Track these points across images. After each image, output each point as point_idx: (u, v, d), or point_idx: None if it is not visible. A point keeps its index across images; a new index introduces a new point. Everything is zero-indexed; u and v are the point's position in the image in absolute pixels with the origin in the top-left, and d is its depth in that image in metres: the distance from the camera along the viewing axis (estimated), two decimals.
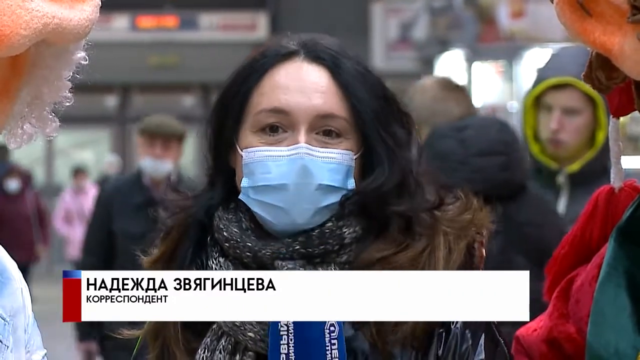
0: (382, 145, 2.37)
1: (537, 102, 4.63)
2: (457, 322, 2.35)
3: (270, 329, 2.26)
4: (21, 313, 2.22)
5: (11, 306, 2.18)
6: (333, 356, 2.24)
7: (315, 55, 2.38)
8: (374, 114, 2.37)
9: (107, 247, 6.72)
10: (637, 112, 2.34)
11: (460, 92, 5.36)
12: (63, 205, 20.87)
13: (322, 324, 2.26)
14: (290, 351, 2.24)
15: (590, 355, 2.27)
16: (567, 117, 4.27)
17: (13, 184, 14.68)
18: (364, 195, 2.32)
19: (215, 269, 2.39)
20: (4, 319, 2.11)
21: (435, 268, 2.32)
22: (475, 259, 2.41)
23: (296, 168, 2.28)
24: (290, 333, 2.26)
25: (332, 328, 2.25)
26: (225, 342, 2.38)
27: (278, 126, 2.34)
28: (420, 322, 2.30)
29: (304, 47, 2.40)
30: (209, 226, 2.43)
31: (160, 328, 2.48)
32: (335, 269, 2.31)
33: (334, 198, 2.29)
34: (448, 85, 5.33)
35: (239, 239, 2.36)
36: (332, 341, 2.23)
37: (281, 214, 2.31)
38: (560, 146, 4.26)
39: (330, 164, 2.30)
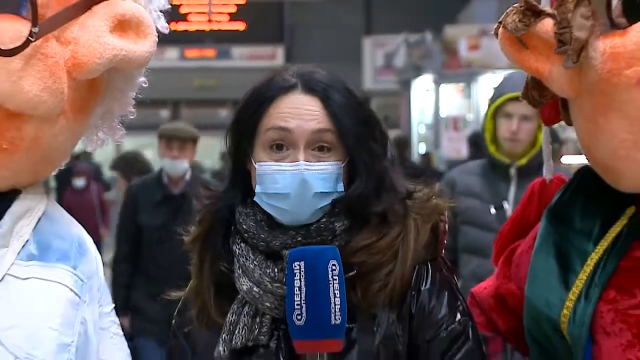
0: (361, 158, 2.32)
1: (495, 111, 4.65)
2: (426, 284, 2.29)
3: (288, 266, 2.21)
4: (95, 276, 2.17)
5: (88, 270, 2.14)
6: (334, 288, 2.18)
7: (310, 88, 2.34)
8: (355, 134, 2.32)
9: (135, 237, 6.43)
10: (563, 121, 2.30)
11: None
12: None
13: (327, 263, 2.21)
14: (302, 284, 2.19)
15: (527, 306, 2.23)
16: (523, 122, 4.31)
17: (80, 182, 14.84)
18: (348, 199, 2.29)
19: (238, 253, 2.35)
20: (82, 281, 2.09)
21: (407, 248, 2.27)
22: (439, 236, 2.37)
23: (297, 180, 2.26)
24: (302, 270, 2.20)
25: (333, 267, 2.19)
26: (248, 308, 2.32)
27: (282, 144, 2.30)
28: (398, 283, 2.25)
29: (302, 80, 2.36)
30: (232, 218, 2.40)
31: (199, 290, 2.42)
32: (333, 248, 2.27)
33: (327, 200, 2.27)
34: None
35: (254, 231, 2.33)
36: (334, 277, 2.18)
37: (286, 214, 2.29)
38: (518, 144, 4.29)
39: (323, 174, 2.28)
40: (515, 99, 4.35)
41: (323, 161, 2.25)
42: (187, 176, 6.30)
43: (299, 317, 2.14)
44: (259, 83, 2.41)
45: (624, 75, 1.92)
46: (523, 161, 4.44)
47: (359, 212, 2.26)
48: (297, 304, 2.15)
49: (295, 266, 2.14)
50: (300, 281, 2.16)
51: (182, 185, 6.28)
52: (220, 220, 2.39)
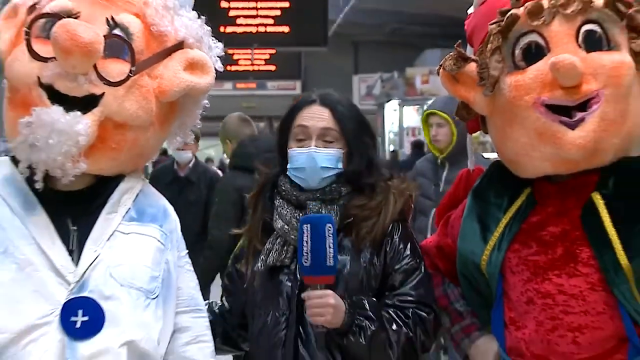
0: (356, 147, 2.31)
1: (426, 121, 4.66)
2: (397, 235, 2.26)
3: (298, 226, 2.16)
4: (174, 232, 2.11)
5: (169, 228, 2.08)
6: (329, 242, 2.09)
7: (324, 102, 2.33)
8: (352, 131, 2.31)
9: None
10: (482, 130, 2.30)
11: (249, 122, 5.11)
12: None
13: (324, 225, 2.12)
14: (308, 239, 2.10)
15: (459, 255, 2.19)
16: (439, 128, 4.28)
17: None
18: (347, 173, 2.28)
19: (277, 205, 2.32)
20: (165, 234, 2.04)
21: (387, 210, 2.26)
22: (408, 207, 2.35)
23: (309, 158, 2.25)
24: (308, 230, 2.11)
25: (329, 228, 2.11)
26: (279, 240, 2.27)
27: (303, 137, 2.30)
28: (379, 231, 2.25)
29: (319, 97, 2.35)
30: (276, 184, 2.38)
31: (251, 227, 2.38)
32: (336, 207, 2.24)
33: (330, 173, 2.24)
34: (243, 118, 5.15)
35: (289, 191, 2.30)
36: (329, 235, 2.11)
37: (303, 181, 2.27)
38: (438, 143, 4.29)
39: (327, 156, 2.26)
40: (432, 113, 4.57)
41: (328, 148, 2.27)
42: (191, 164, 6.19)
43: (305, 261, 2.10)
44: (295, 100, 2.49)
45: (524, 100, 1.90)
46: (444, 154, 4.39)
47: (355, 183, 2.29)
48: (305, 252, 2.10)
49: (304, 227, 2.11)
50: (307, 237, 2.11)
51: (186, 170, 6.08)
52: (268, 185, 2.40)
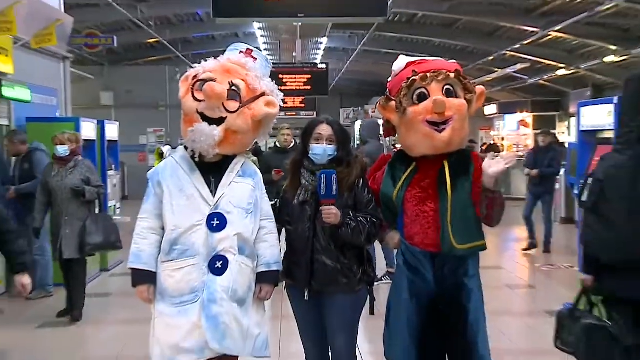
0: (342, 145, 3.11)
1: None
2: (361, 184, 3.05)
3: (318, 175, 2.98)
4: (259, 182, 3.04)
5: (256, 180, 3.02)
6: (333, 183, 2.93)
7: (328, 122, 3.15)
8: (342, 139, 3.12)
9: None
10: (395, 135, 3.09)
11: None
12: None
13: (331, 175, 2.94)
14: (322, 181, 2.97)
15: (381, 193, 3.05)
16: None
17: None
18: (337, 156, 3.06)
19: (302, 172, 3.12)
20: (255, 182, 3.01)
21: (354, 172, 3.06)
22: (364, 170, 3.11)
23: (322, 150, 3.08)
24: (323, 177, 2.96)
25: (334, 177, 2.94)
26: (304, 189, 3.11)
27: (318, 139, 3.08)
28: (351, 182, 3.03)
29: (326, 120, 3.17)
30: (302, 162, 3.14)
31: (291, 180, 3.17)
32: (333, 171, 2.97)
33: (330, 156, 3.04)
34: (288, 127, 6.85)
35: (309, 164, 3.10)
36: (334, 180, 2.92)
37: (318, 160, 3.07)
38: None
39: (329, 149, 3.08)
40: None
41: (330, 145, 3.08)
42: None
43: (322, 192, 2.95)
44: (312, 120, 3.24)
45: (417, 119, 2.87)
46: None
47: (340, 160, 3.08)
48: (322, 188, 2.94)
49: (322, 175, 2.95)
50: (323, 180, 2.96)
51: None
52: (298, 161, 3.15)
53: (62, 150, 5.79)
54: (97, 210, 5.87)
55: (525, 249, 9.11)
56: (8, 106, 7.28)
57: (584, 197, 3.05)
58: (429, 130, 2.86)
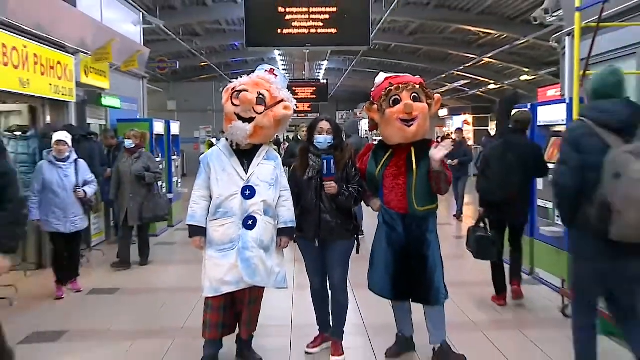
0: (337, 136, 3.02)
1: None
2: (350, 165, 2.96)
3: (322, 159, 2.91)
4: (279, 164, 2.98)
5: (277, 162, 2.95)
6: (333, 166, 2.87)
7: (327, 120, 3.07)
8: (336, 131, 3.03)
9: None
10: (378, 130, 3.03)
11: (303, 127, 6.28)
12: None
13: (330, 160, 2.86)
14: (325, 164, 2.91)
15: (367, 172, 2.97)
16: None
17: None
18: (335, 143, 2.98)
19: (309, 156, 3.01)
20: (276, 164, 2.94)
21: (345, 154, 2.98)
22: (351, 155, 3.00)
23: (324, 139, 3.00)
24: (325, 161, 2.90)
25: (332, 160, 2.88)
26: (311, 168, 3.01)
27: (321, 133, 3.01)
28: (345, 160, 2.93)
29: (326, 118, 3.09)
30: (309, 148, 3.05)
31: (301, 160, 3.05)
32: (332, 157, 2.90)
33: (329, 144, 2.96)
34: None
35: (314, 150, 3.01)
36: (334, 164, 2.88)
37: (321, 145, 2.98)
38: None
39: (329, 139, 2.99)
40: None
41: (329, 136, 3.01)
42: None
43: (325, 171, 2.90)
44: (316, 118, 3.16)
45: (393, 118, 2.89)
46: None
47: (336, 147, 3.01)
48: (325, 168, 2.90)
49: (324, 160, 2.91)
50: (324, 164, 2.91)
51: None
52: (306, 148, 3.08)
53: (128, 143, 5.65)
54: (156, 190, 5.71)
55: (455, 215, 8.91)
56: (105, 111, 7.63)
57: (479, 165, 3.96)
58: (401, 126, 2.86)
